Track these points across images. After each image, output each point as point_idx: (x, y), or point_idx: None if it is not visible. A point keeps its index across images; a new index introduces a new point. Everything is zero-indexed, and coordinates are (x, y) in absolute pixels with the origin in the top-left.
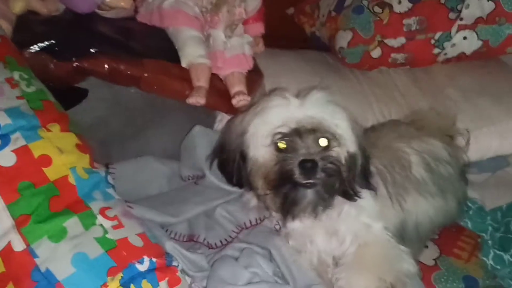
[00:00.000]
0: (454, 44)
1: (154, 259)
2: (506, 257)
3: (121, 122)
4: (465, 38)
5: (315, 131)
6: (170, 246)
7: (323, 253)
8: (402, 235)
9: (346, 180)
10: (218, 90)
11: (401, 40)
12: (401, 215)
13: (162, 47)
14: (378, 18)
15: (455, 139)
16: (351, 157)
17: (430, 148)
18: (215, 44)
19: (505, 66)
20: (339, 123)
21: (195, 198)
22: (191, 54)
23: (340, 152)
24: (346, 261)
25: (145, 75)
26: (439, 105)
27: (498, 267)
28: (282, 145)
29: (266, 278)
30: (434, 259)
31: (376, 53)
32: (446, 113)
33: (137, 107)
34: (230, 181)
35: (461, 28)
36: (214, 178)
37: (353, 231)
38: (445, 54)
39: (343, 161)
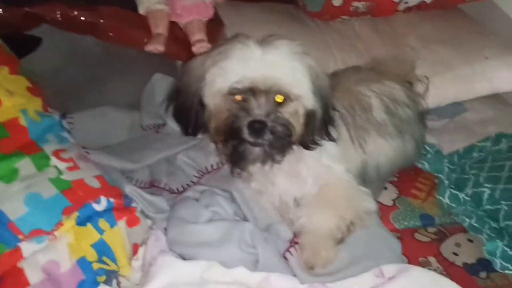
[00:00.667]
0: None
1: (111, 199)
2: (461, 196)
3: (78, 71)
4: None
5: (270, 91)
6: (129, 188)
7: (284, 195)
8: (363, 176)
9: (303, 134)
10: (178, 39)
11: None
12: (363, 156)
13: None
14: None
15: (414, 85)
16: (310, 113)
17: (390, 91)
18: None
19: (464, 15)
20: (298, 81)
21: (156, 145)
22: (149, 0)
23: (296, 109)
24: (307, 201)
25: (101, 21)
26: (399, 52)
27: (454, 205)
28: (237, 99)
29: (227, 217)
30: (393, 200)
31: (337, 1)
32: (405, 60)
33: (95, 57)
34: (185, 129)
35: None
36: (175, 125)
37: (315, 173)
38: (406, 2)
39: (300, 118)
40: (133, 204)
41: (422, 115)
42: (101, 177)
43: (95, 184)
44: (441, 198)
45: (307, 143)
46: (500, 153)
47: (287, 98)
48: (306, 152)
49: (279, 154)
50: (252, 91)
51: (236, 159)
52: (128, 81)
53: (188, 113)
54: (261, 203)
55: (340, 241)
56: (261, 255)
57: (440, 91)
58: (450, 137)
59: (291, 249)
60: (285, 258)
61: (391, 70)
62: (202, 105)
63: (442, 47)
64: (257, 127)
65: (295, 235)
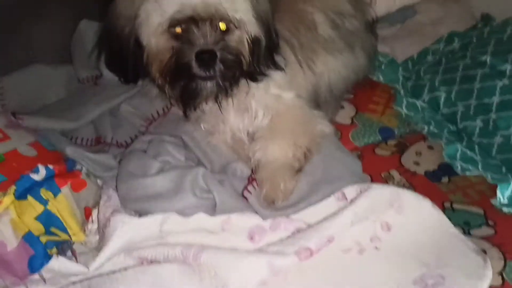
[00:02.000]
0: None
1: (50, 166)
2: (418, 103)
3: None
4: None
5: (213, 18)
6: (70, 150)
7: (236, 131)
8: (316, 98)
9: (250, 64)
10: None
11: None
12: (313, 78)
13: None
14: None
15: None
16: (255, 41)
17: (333, 3)
18: None
19: None
20: (239, 6)
21: (95, 98)
22: None
23: (241, 37)
24: (260, 134)
25: None
26: None
27: (412, 113)
28: (178, 31)
29: (179, 165)
30: (351, 117)
31: None
32: None
33: (10, 3)
34: (123, 77)
35: None
36: (112, 74)
37: (264, 104)
38: None
39: (246, 47)
40: (77, 167)
41: (372, 24)
42: (36, 144)
43: (31, 152)
44: (398, 108)
45: (255, 75)
46: (454, 53)
47: (231, 25)
48: (253, 85)
49: (231, 86)
50: (193, 20)
51: (188, 99)
52: (51, 24)
53: (124, 58)
54: (213, 143)
55: (299, 170)
56: (218, 198)
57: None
58: (403, 43)
59: (249, 187)
60: (244, 197)
61: None
62: (139, 46)
63: None
64: (207, 58)
65: (253, 171)
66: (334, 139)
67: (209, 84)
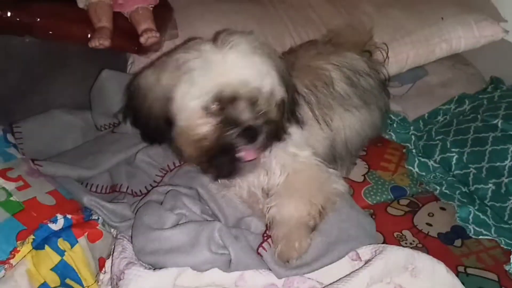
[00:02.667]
0: None
1: (69, 216)
2: (430, 163)
3: (17, 75)
4: None
5: (247, 95)
6: (87, 199)
7: (252, 186)
8: (333, 154)
9: (279, 126)
10: (124, 30)
11: None
12: (330, 134)
13: None
14: None
15: (373, 54)
16: (280, 102)
17: (349, 62)
18: None
19: None
20: (267, 77)
21: (112, 147)
22: None
23: (271, 103)
24: (276, 191)
25: (37, 20)
26: (355, 21)
27: (423, 173)
28: (215, 109)
29: (194, 218)
30: (363, 175)
31: None
32: (362, 28)
33: (34, 57)
34: (149, 141)
35: None
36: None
37: (281, 163)
38: None
39: (275, 111)
40: (94, 217)
41: (384, 83)
42: (55, 192)
43: (50, 201)
44: (410, 167)
45: (280, 134)
46: (464, 115)
47: (261, 95)
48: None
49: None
50: (231, 99)
51: (227, 175)
52: (73, 80)
53: (151, 131)
54: (228, 197)
55: (313, 228)
56: (233, 254)
57: (399, 57)
58: (414, 103)
59: (264, 244)
60: (259, 254)
61: (349, 40)
62: (169, 124)
63: (398, 11)
64: (251, 134)
65: (267, 227)
66: (349, 198)
67: (247, 165)
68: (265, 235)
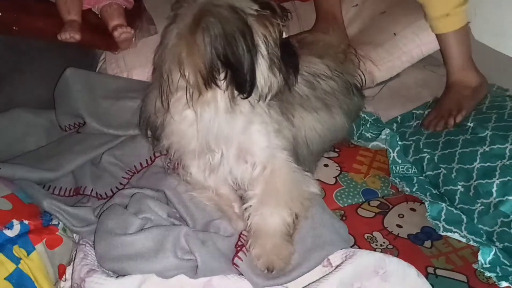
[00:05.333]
0: None
1: (26, 221)
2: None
3: None
4: None
5: None
6: (47, 203)
7: (232, 180)
8: (296, 152)
9: None
10: (94, 25)
11: None
12: (293, 130)
13: None
14: None
15: (348, 59)
16: None
17: (309, 66)
18: None
19: None
20: None
21: (77, 148)
22: None
23: None
24: (256, 194)
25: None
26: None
27: (400, 161)
28: None
29: (160, 222)
30: (335, 177)
31: None
32: (336, 33)
33: None
34: None
35: None
36: (96, 123)
37: (266, 155)
38: None
39: None
40: (54, 222)
41: (356, 87)
42: (12, 196)
43: (6, 205)
44: (390, 150)
45: None
46: None
47: None
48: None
49: None
50: None
51: None
52: (39, 78)
53: None
54: (197, 199)
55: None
56: (199, 260)
57: (367, 72)
58: (386, 104)
59: (240, 254)
60: (234, 264)
61: (319, 43)
62: None
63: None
64: None
65: (241, 234)
66: (321, 201)
67: None
68: (238, 244)
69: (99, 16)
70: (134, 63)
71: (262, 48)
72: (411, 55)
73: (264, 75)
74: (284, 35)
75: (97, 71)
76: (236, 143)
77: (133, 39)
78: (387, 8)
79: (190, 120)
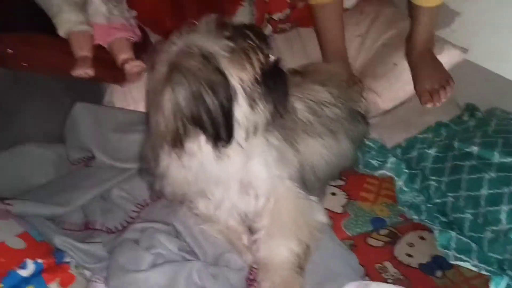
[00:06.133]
0: None
1: (39, 261)
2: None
3: None
4: None
5: None
6: (59, 240)
7: (236, 213)
8: (303, 179)
9: None
10: (102, 59)
11: (286, 12)
12: (298, 157)
13: (27, 18)
14: None
15: (352, 86)
16: None
17: (312, 93)
18: (95, 17)
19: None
20: None
21: (86, 182)
22: (69, 20)
23: None
24: (263, 226)
25: (9, 51)
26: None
27: (407, 189)
28: None
29: (171, 257)
30: (343, 206)
31: (268, 30)
32: (339, 61)
33: (5, 88)
34: None
35: None
36: (105, 157)
37: (268, 186)
38: None
39: None
40: (66, 259)
41: (361, 114)
42: (25, 234)
43: (19, 244)
44: (396, 178)
45: None
46: (441, 143)
47: None
48: (255, 160)
49: None
50: None
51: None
52: (44, 111)
53: None
54: (206, 232)
55: (302, 267)
56: None
57: (371, 102)
58: (391, 130)
59: None
60: None
61: (323, 71)
62: None
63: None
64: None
65: (251, 268)
66: (329, 230)
67: None
68: (251, 276)
69: (108, 49)
70: (140, 96)
71: (240, 90)
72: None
73: (246, 114)
74: (271, 58)
75: (104, 104)
76: (235, 180)
77: (143, 73)
78: (387, 39)
79: (181, 169)
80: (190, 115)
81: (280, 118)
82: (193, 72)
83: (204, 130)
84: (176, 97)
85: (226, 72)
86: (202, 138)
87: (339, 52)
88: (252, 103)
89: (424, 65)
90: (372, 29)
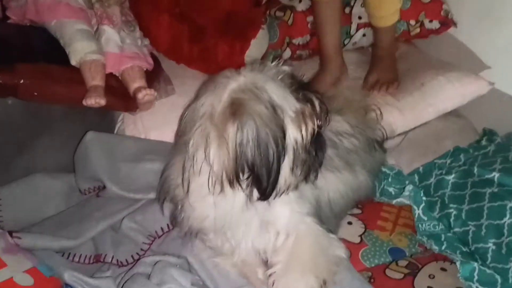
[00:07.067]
0: (355, 43)
1: None
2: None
3: (0, 139)
4: (364, 35)
5: None
6: (69, 276)
7: (253, 250)
8: (319, 214)
9: None
10: (113, 88)
11: (307, 37)
12: (315, 191)
13: (40, 48)
14: (282, 21)
15: (369, 113)
16: None
17: (331, 124)
18: (108, 46)
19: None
20: None
21: (97, 213)
22: (82, 49)
23: None
24: (281, 260)
25: (21, 82)
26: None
27: (425, 218)
28: None
29: None
30: (360, 235)
31: (286, 54)
32: (356, 88)
33: (17, 120)
34: None
35: (360, 26)
36: (116, 187)
37: (288, 223)
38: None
39: None
40: None
41: (377, 142)
42: (34, 270)
43: (27, 281)
44: (415, 207)
45: None
46: (460, 169)
47: None
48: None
49: None
50: None
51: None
52: (56, 142)
53: None
54: (220, 266)
55: None
56: None
57: (387, 122)
58: (407, 156)
59: None
60: None
61: (341, 98)
62: None
63: None
64: None
65: None
66: (348, 264)
67: None
68: None
69: (120, 78)
70: (151, 124)
71: (290, 153)
72: (438, 107)
73: (286, 177)
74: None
75: (115, 132)
76: (257, 220)
77: (154, 101)
78: (412, 65)
79: (209, 203)
80: (252, 161)
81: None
82: (263, 118)
83: (256, 178)
84: (242, 137)
85: (286, 131)
86: (244, 183)
87: (334, 45)
88: (294, 168)
89: (380, 64)
90: None
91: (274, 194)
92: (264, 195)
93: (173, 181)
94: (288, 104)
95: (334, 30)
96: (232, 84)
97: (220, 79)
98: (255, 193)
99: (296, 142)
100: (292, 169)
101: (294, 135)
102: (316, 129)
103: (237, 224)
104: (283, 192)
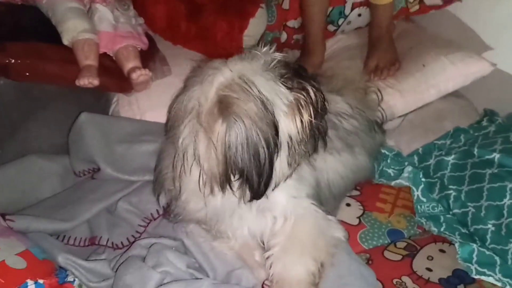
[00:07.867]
0: (349, 22)
1: (40, 281)
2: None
3: None
4: (359, 15)
5: None
6: (63, 258)
7: (251, 234)
8: (318, 196)
9: None
10: (108, 68)
11: (299, 20)
12: (314, 173)
13: (32, 27)
14: (277, 2)
15: (369, 94)
16: None
17: (331, 104)
18: (101, 25)
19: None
20: None
21: (91, 195)
22: (74, 28)
23: None
24: (278, 242)
25: (12, 61)
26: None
27: (424, 199)
28: None
29: (179, 275)
30: (358, 217)
31: (283, 37)
32: (357, 69)
33: (10, 100)
34: None
35: (355, 6)
36: (110, 169)
37: (287, 207)
38: (342, 31)
39: None
40: (69, 278)
41: (377, 123)
42: (27, 253)
43: (20, 264)
44: (414, 188)
45: None
46: (460, 150)
47: None
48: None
49: None
50: None
51: None
52: (51, 122)
53: None
54: (217, 248)
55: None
56: None
57: (388, 105)
58: (407, 137)
59: None
60: None
61: (340, 76)
62: None
63: None
64: None
65: (263, 283)
66: (346, 245)
67: None
68: None
69: (114, 58)
70: (147, 105)
71: (285, 148)
72: (439, 88)
73: (283, 170)
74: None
75: (110, 113)
76: (253, 208)
77: (149, 81)
78: (414, 44)
79: (202, 199)
80: (241, 165)
81: None
82: (252, 118)
83: (247, 180)
84: (230, 140)
85: (279, 127)
86: (235, 185)
87: (322, 28)
88: (291, 161)
89: (379, 45)
90: None
91: (270, 189)
92: (258, 196)
93: (166, 175)
94: (280, 97)
95: (319, 25)
96: (219, 78)
97: (207, 70)
98: (248, 194)
99: (291, 137)
100: (288, 163)
101: (288, 129)
102: (312, 120)
103: (231, 216)
104: (282, 182)
